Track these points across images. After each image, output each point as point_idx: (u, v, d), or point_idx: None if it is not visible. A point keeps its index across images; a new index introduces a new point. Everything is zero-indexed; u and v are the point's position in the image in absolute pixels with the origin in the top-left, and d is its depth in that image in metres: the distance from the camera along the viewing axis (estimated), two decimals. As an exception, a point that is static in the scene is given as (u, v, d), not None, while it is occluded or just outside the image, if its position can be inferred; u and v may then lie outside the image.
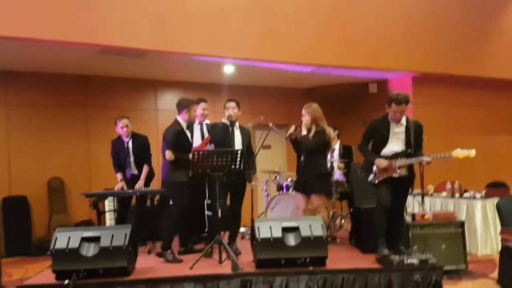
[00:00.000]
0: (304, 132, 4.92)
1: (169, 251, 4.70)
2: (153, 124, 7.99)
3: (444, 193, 6.52)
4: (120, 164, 5.82)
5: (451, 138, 7.91)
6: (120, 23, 5.64)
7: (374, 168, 4.65)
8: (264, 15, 6.53)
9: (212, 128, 5.30)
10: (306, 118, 4.95)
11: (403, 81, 8.24)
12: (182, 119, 4.90)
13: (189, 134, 4.98)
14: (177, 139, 4.78)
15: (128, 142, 5.80)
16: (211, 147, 4.97)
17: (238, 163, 4.52)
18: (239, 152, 4.55)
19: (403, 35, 7.52)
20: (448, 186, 6.48)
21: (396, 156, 4.58)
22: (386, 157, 4.59)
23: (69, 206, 7.27)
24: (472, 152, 4.51)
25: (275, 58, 6.72)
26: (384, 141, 4.65)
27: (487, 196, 6.17)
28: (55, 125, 7.31)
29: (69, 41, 5.43)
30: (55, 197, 7.17)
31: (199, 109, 5.49)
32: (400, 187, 4.67)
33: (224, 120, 5.10)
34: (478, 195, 6.19)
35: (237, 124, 5.12)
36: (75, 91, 7.51)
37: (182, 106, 4.89)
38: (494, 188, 6.49)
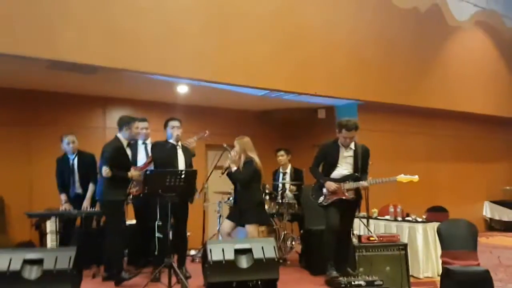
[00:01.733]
0: (233, 167, 5.03)
1: (123, 272, 4.56)
2: (100, 142, 7.55)
3: (387, 216, 6.76)
4: (64, 184, 5.61)
5: (395, 163, 8.28)
6: (72, 38, 5.50)
7: (324, 190, 4.80)
8: (220, 37, 6.60)
9: (157, 147, 5.16)
10: (235, 150, 5.10)
11: (349, 108, 8.55)
12: (122, 137, 4.82)
13: (129, 153, 4.89)
14: (116, 156, 4.68)
15: (73, 160, 5.61)
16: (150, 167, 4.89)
17: (192, 183, 4.52)
18: (195, 172, 4.54)
19: (354, 65, 7.87)
20: (391, 209, 6.71)
21: (344, 179, 4.78)
22: (335, 180, 4.77)
23: (9, 226, 6.83)
24: (415, 177, 4.79)
25: (228, 80, 6.78)
26: (333, 165, 4.85)
27: (428, 220, 6.45)
28: (-5, 141, 6.94)
29: (18, 55, 5.22)
30: (-7, 216, 6.76)
31: (138, 129, 5.47)
32: (348, 209, 4.86)
33: (171, 140, 5.06)
34: (419, 219, 6.46)
35: (179, 143, 5.13)
36: (18, 106, 7.14)
37: (123, 123, 4.82)
38: (434, 212, 6.83)
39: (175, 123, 5.09)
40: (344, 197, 4.75)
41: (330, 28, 7.68)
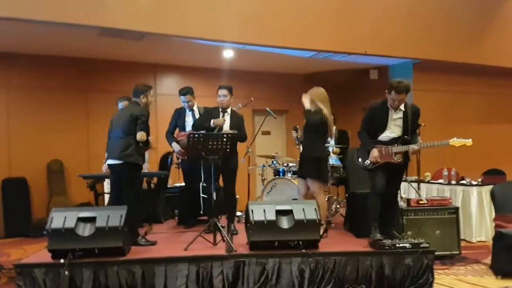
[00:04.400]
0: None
1: (140, 236, 4.66)
2: (151, 108, 7.88)
3: (440, 180, 6.53)
4: None
5: (450, 125, 7.94)
6: (121, 4, 5.62)
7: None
8: (265, 1, 6.48)
9: (204, 113, 5.35)
10: (306, 99, 4.98)
11: (404, 68, 8.19)
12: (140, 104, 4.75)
13: None
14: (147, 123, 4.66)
15: None
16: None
17: (229, 146, 4.56)
18: (230, 135, 4.58)
19: (405, 21, 7.48)
20: (445, 173, 6.49)
21: (393, 142, 4.59)
22: (383, 143, 4.61)
23: (69, 188, 7.34)
24: (469, 141, 4.53)
25: (275, 43, 6.68)
26: (382, 128, 4.65)
27: (484, 183, 6.18)
28: (55, 107, 7.35)
29: (70, 22, 5.41)
30: (54, 179, 7.23)
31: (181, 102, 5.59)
32: (395, 172, 4.69)
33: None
34: (474, 182, 6.20)
35: (228, 110, 5.17)
36: (75, 74, 7.53)
37: (139, 91, 4.74)
38: (491, 175, 6.51)
39: (220, 92, 5.16)
40: (392, 161, 4.59)
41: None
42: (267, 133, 8.49)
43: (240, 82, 8.51)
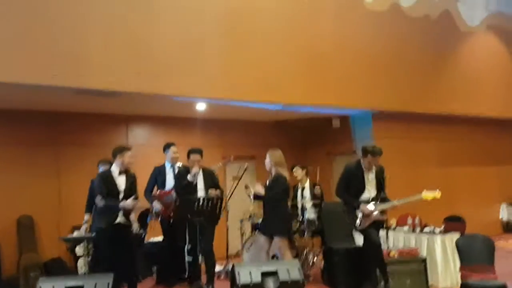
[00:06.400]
0: (261, 191, 5.17)
1: None
2: None
3: (405, 228, 6.89)
4: (92, 205, 5.84)
5: (410, 171, 8.43)
6: (96, 65, 5.73)
7: (360, 215, 4.96)
8: (235, 58, 6.76)
9: (177, 175, 5.57)
10: (266, 162, 5.29)
11: (364, 117, 8.68)
12: (116, 166, 4.96)
13: (122, 181, 4.92)
14: (101, 184, 4.83)
15: None
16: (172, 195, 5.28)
17: (219, 209, 4.74)
18: (221, 199, 4.76)
19: (365, 76, 7.97)
20: (409, 221, 6.84)
21: (373, 201, 4.97)
22: (364, 202, 4.98)
23: (39, 244, 7.13)
24: (438, 193, 4.95)
25: (246, 97, 6.98)
26: (361, 189, 5.02)
27: (446, 230, 6.57)
28: (25, 162, 7.19)
29: (46, 84, 5.46)
30: (24, 235, 7.01)
31: (169, 153, 5.74)
32: (377, 227, 5.07)
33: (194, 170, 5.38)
34: (437, 230, 6.58)
35: (200, 170, 5.42)
36: (45, 127, 7.43)
37: (115, 152, 4.99)
38: (451, 222, 6.94)
39: (195, 157, 5.44)
40: (380, 218, 4.98)
41: (341, 41, 7.79)
42: (236, 178, 8.67)
43: (212, 131, 8.74)
